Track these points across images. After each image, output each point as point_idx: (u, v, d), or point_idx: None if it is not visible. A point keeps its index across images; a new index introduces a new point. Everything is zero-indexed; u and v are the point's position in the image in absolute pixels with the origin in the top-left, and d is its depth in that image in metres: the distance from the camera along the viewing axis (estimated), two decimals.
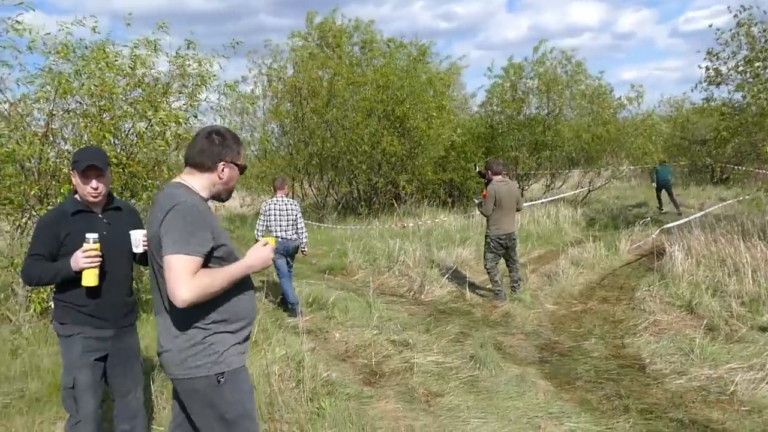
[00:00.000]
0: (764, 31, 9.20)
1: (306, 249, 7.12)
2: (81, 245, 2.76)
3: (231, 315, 2.32)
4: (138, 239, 2.88)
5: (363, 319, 6.37)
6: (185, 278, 2.10)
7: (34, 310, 5.48)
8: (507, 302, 7.13)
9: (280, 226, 6.73)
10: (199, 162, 2.34)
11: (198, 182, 2.36)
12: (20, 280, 4.42)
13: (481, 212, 7.38)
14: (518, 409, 4.13)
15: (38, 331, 5.37)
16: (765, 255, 7.12)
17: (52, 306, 3.03)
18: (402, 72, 15.75)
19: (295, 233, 6.85)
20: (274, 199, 6.84)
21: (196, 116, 6.29)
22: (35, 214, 5.54)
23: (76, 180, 2.90)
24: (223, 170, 2.36)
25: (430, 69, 17.30)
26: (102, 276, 2.84)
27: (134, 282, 5.68)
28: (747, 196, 11.28)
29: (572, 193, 19.03)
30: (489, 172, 7.42)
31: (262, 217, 6.83)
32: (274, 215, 6.73)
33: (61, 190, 5.32)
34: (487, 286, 7.68)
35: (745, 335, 5.44)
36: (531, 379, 4.66)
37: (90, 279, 2.77)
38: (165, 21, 6.11)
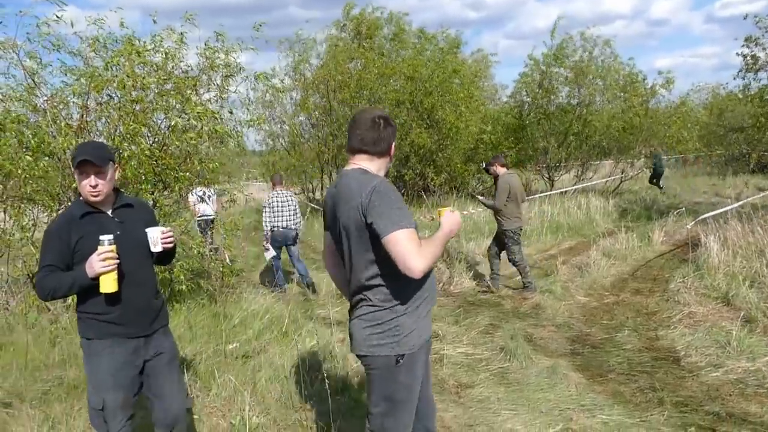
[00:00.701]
0: None
1: (299, 233, 8.09)
2: (96, 249, 2.53)
3: (416, 298, 2.43)
4: (155, 237, 2.70)
5: None
6: (416, 250, 2.20)
7: (72, 300, 5.62)
8: (537, 294, 7.06)
9: (284, 216, 7.63)
10: (378, 150, 2.46)
11: (375, 166, 2.48)
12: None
13: (491, 206, 7.22)
14: (549, 401, 4.09)
15: (75, 320, 5.49)
16: None
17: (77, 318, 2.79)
18: (431, 63, 15.66)
19: (295, 222, 7.73)
20: (275, 192, 7.73)
21: (231, 112, 6.34)
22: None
23: (76, 178, 2.66)
24: (392, 151, 2.55)
25: (457, 59, 17.19)
26: (121, 280, 2.60)
27: (167, 273, 5.82)
28: None
29: (602, 180, 18.70)
30: (495, 165, 7.25)
31: (268, 209, 7.66)
32: (278, 206, 7.64)
33: None
34: (516, 278, 7.61)
35: None
36: (562, 371, 4.61)
37: (108, 285, 2.54)
38: (192, 13, 6.14)
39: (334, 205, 2.46)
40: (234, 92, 6.48)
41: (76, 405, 3.91)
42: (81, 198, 2.72)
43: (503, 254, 7.47)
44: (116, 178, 2.78)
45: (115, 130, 5.72)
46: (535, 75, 17.10)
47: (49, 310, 5.80)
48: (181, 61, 6.12)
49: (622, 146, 18.02)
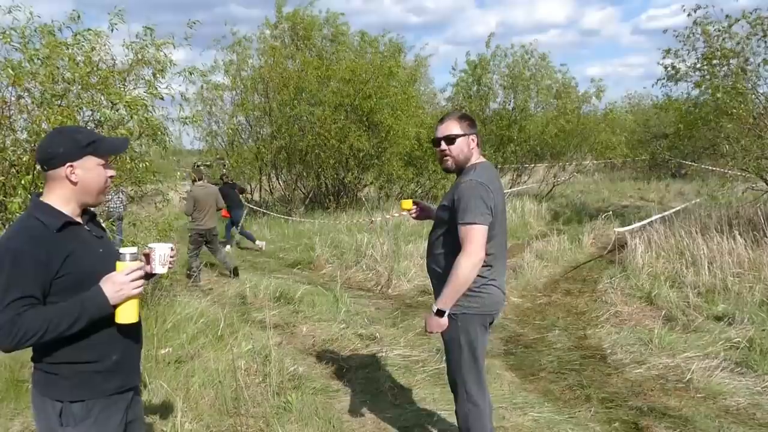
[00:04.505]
0: (719, 30, 9.46)
1: None
2: (96, 270, 1.91)
3: None
4: (164, 256, 2.10)
5: (330, 314, 6.36)
6: None
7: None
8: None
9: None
10: None
11: None
12: None
13: (185, 212, 8.75)
14: None
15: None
16: (721, 247, 7.35)
17: (36, 376, 1.99)
18: (371, 67, 15.68)
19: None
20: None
21: (162, 98, 6.06)
22: None
23: (86, 167, 1.94)
24: None
25: (396, 61, 17.29)
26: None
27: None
28: (707, 194, 11.55)
29: (536, 184, 19.28)
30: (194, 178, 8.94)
31: None
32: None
33: (22, 182, 5.07)
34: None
35: (701, 325, 5.61)
36: (496, 371, 4.72)
37: (129, 313, 1.95)
38: (121, 8, 5.89)
39: (501, 194, 2.83)
40: (165, 89, 6.25)
41: None
42: (47, 201, 1.95)
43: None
44: None
45: (40, 126, 5.41)
46: (470, 80, 17.45)
47: None
48: (107, 54, 5.86)
49: (555, 151, 18.65)
